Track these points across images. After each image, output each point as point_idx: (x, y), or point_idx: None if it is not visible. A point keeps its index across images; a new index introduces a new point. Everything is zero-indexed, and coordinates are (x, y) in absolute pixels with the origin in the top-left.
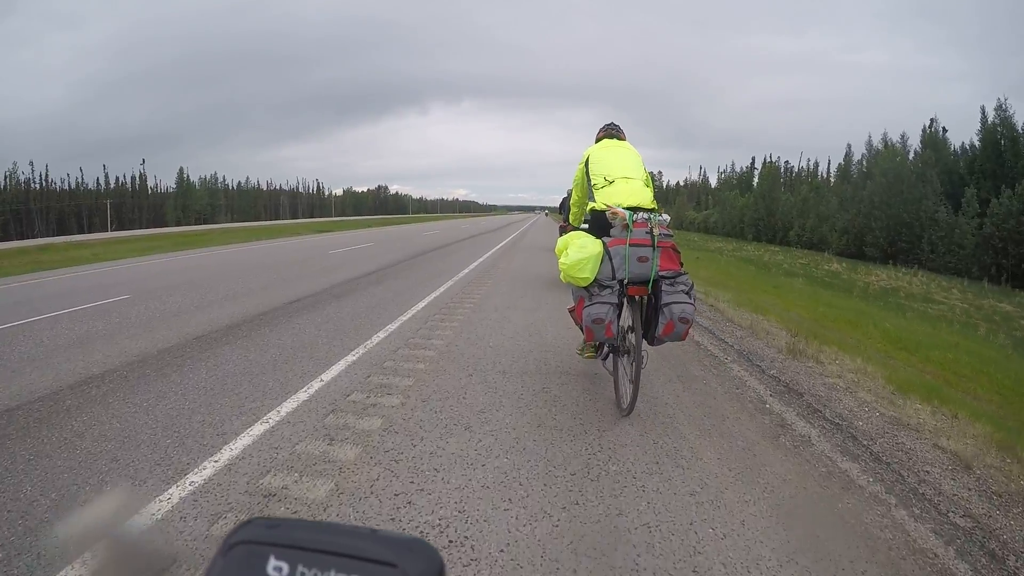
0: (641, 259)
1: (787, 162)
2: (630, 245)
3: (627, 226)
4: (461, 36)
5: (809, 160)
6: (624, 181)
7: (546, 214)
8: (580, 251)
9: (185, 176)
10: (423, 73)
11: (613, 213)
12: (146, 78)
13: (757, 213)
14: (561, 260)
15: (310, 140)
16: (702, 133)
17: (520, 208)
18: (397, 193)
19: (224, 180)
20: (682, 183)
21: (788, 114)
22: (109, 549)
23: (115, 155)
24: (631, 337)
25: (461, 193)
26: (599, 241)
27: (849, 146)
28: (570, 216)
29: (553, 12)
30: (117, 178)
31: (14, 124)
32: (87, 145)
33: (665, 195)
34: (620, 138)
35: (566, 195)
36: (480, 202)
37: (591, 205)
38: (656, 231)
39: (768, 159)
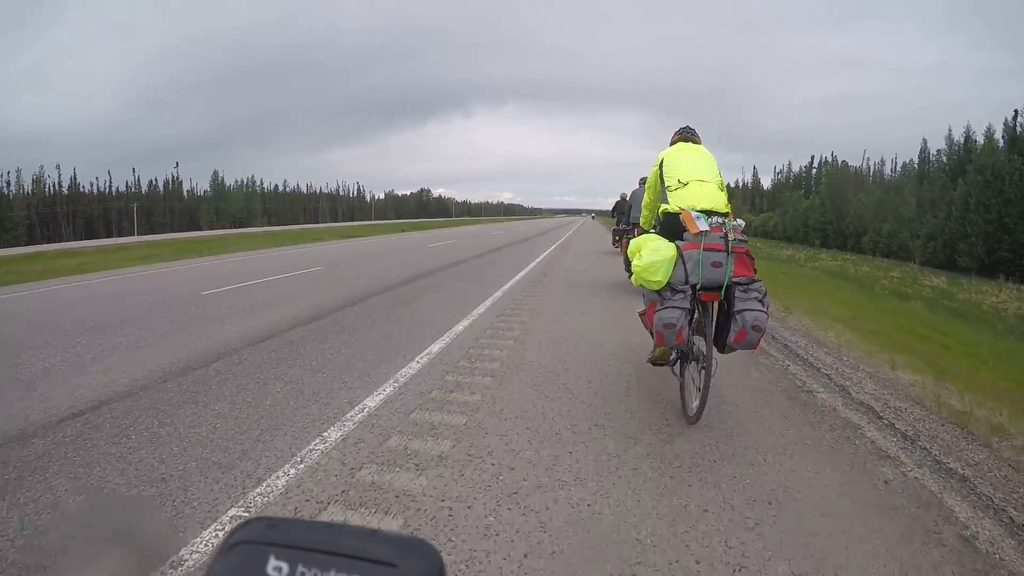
0: (715, 264)
1: (844, 162)
2: (704, 249)
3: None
4: (505, 39)
5: (870, 159)
6: (698, 184)
7: (592, 217)
8: (653, 254)
9: (219, 179)
10: (467, 77)
11: (689, 218)
12: (195, 87)
13: (824, 217)
14: (634, 263)
15: (355, 145)
16: (749, 135)
17: (565, 211)
18: (440, 196)
19: (261, 183)
20: (733, 184)
21: (836, 114)
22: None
23: (163, 162)
24: (701, 344)
25: (506, 196)
26: (672, 244)
27: (925, 142)
28: (640, 219)
29: (597, 14)
30: (149, 181)
31: (64, 133)
32: (137, 153)
33: None
34: (695, 141)
35: (619, 199)
36: (525, 205)
37: (663, 207)
38: (731, 236)
39: (824, 159)
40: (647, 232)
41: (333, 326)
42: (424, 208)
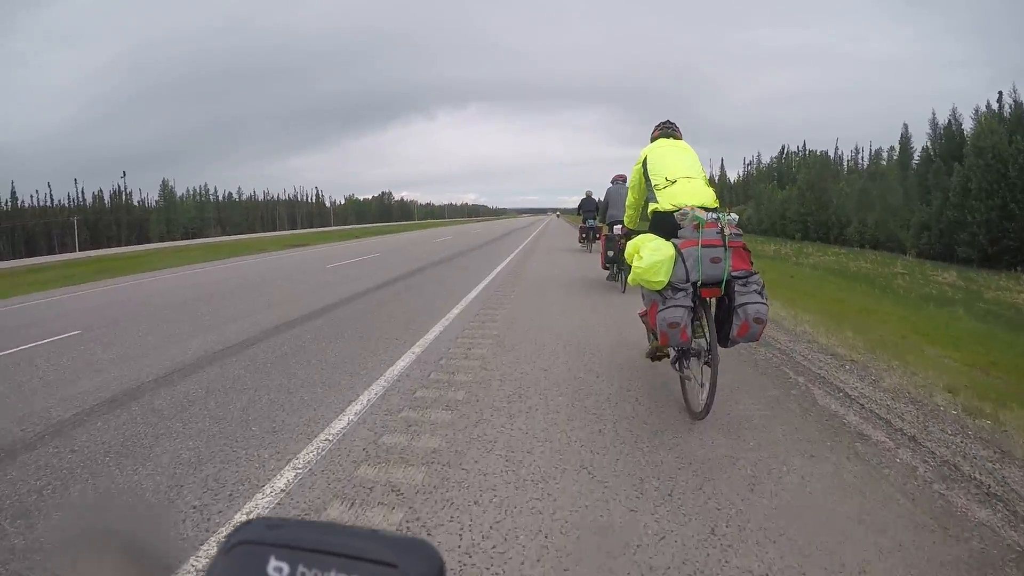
0: (714, 260)
1: (824, 152)
2: (703, 246)
3: (699, 227)
4: (465, 41)
5: (840, 149)
6: (686, 181)
7: (557, 215)
8: (654, 254)
9: (169, 188)
10: (428, 79)
11: (683, 214)
12: (150, 96)
13: (804, 207)
14: (634, 264)
15: (317, 151)
16: (707, 129)
17: (531, 210)
18: (402, 199)
19: (215, 192)
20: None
21: (793, 107)
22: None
23: (115, 173)
24: (702, 340)
25: (470, 198)
26: (671, 243)
27: (906, 127)
28: (625, 218)
29: (556, 15)
30: (94, 193)
31: (15, 146)
32: (92, 165)
33: None
34: (676, 136)
35: (584, 196)
36: (490, 206)
37: (653, 206)
38: (727, 231)
39: (789, 149)
40: (632, 231)
41: None
42: (386, 212)
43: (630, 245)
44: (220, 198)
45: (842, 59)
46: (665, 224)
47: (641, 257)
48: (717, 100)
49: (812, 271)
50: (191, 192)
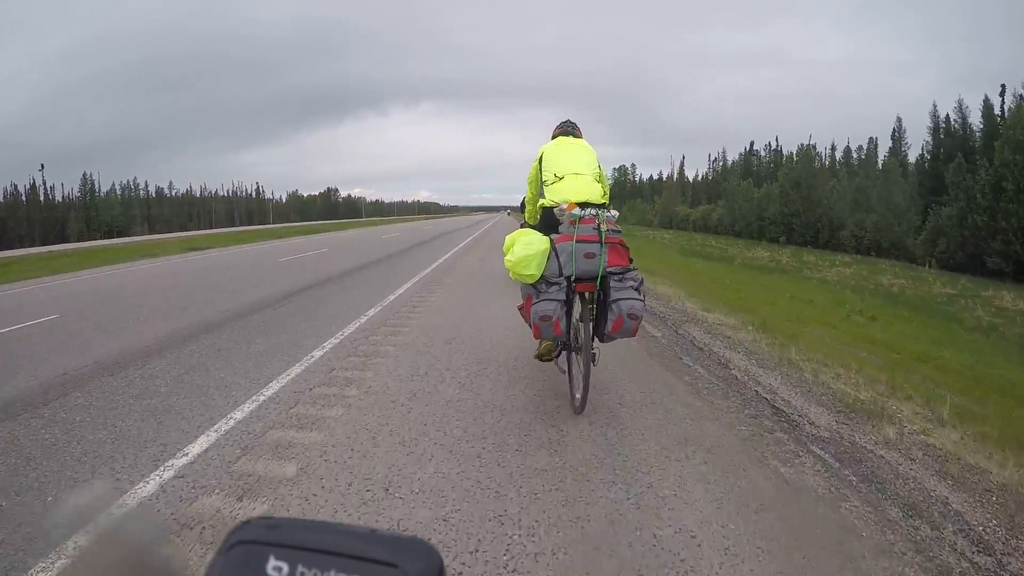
0: (588, 255)
1: (812, 145)
2: (577, 241)
3: (575, 222)
4: (421, 38)
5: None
6: (573, 177)
7: (508, 213)
8: (526, 248)
9: (89, 183)
10: (384, 76)
11: (561, 210)
12: (102, 84)
13: (789, 207)
14: (507, 258)
15: (271, 145)
16: (663, 129)
17: (485, 208)
18: (349, 196)
19: (145, 187)
20: (656, 176)
21: (751, 108)
22: (100, 540)
23: (67, 165)
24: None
25: (423, 195)
26: (546, 238)
27: (900, 121)
28: (526, 214)
29: (511, 14)
30: (4, 188)
31: None
32: (40, 155)
33: (639, 190)
34: (576, 135)
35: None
36: (442, 203)
37: (541, 202)
38: (604, 227)
39: (752, 146)
40: (531, 227)
41: None
42: (332, 209)
43: (508, 239)
44: (151, 193)
45: (800, 62)
46: (551, 219)
47: (513, 251)
48: (673, 100)
49: (824, 285)
50: (121, 187)
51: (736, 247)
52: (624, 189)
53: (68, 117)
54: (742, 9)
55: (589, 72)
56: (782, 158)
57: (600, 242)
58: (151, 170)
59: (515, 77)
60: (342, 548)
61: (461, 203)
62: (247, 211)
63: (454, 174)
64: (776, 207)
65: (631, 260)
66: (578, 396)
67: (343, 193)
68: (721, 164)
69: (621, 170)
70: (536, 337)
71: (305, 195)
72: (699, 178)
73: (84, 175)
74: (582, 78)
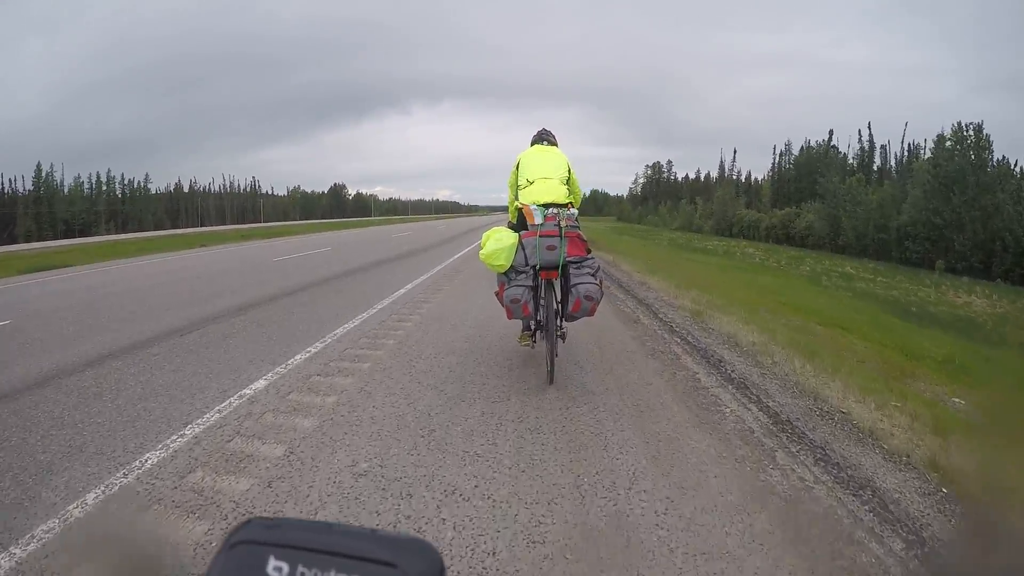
0: (550, 248)
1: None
2: (540, 236)
3: (539, 220)
4: (441, 37)
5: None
6: (543, 181)
7: None
8: (496, 243)
9: (43, 177)
10: (404, 74)
11: (530, 210)
12: (122, 83)
13: (942, 218)
14: (481, 251)
15: (289, 143)
16: (683, 131)
17: (504, 208)
18: (359, 193)
19: (122, 179)
20: (691, 176)
21: (770, 111)
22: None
23: (88, 162)
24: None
25: (444, 194)
26: (515, 234)
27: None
28: (510, 214)
29: (533, 13)
30: None
31: None
32: (61, 152)
33: (675, 189)
34: (551, 142)
35: None
36: (462, 203)
37: (516, 203)
38: (564, 223)
39: (827, 141)
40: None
41: None
42: (340, 207)
43: (483, 236)
44: (123, 189)
45: (823, 64)
46: (522, 218)
47: (486, 246)
48: (694, 101)
49: None
50: (90, 181)
51: (894, 277)
52: (659, 188)
53: (87, 116)
54: (765, 12)
55: (609, 73)
56: (875, 151)
57: (560, 236)
58: (163, 170)
59: (535, 76)
60: (342, 548)
61: (481, 203)
62: (240, 208)
63: (474, 173)
64: (914, 214)
65: (589, 251)
66: (547, 369)
67: (359, 191)
68: (786, 158)
69: (655, 167)
70: (509, 318)
71: (310, 191)
72: (766, 178)
73: (37, 166)
74: (603, 78)
